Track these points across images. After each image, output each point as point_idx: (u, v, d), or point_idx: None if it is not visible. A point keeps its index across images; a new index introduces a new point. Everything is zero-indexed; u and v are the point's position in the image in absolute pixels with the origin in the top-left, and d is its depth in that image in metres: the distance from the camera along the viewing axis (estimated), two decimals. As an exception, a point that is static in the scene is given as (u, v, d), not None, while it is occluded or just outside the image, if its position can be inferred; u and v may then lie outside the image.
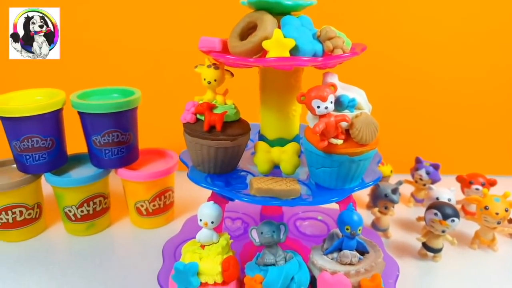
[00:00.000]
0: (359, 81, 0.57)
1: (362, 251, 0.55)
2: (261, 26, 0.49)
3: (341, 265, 0.52)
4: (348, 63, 0.60)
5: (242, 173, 0.60)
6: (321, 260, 0.53)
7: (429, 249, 0.72)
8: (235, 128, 0.56)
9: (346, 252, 0.53)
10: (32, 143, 0.74)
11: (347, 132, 0.51)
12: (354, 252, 0.53)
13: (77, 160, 0.85)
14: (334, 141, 0.50)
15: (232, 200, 0.61)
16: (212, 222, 0.55)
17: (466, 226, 0.81)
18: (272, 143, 0.60)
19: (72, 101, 0.75)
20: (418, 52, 0.98)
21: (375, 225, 0.80)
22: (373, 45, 0.63)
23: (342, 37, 0.51)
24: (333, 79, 0.52)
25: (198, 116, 0.56)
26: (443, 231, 0.70)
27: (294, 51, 0.48)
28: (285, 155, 0.58)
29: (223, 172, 0.59)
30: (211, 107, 0.55)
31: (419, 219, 0.80)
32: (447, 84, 1.01)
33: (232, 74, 0.58)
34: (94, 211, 0.80)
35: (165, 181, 0.82)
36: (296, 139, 0.61)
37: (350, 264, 0.52)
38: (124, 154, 0.79)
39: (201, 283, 0.53)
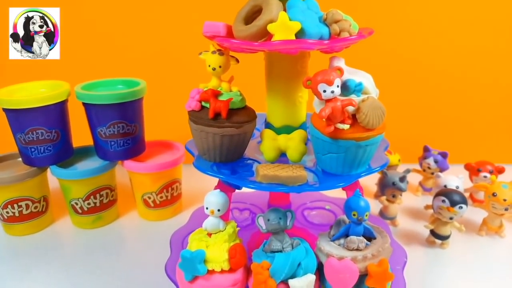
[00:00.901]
0: (366, 69, 0.56)
1: (369, 237, 0.54)
2: (266, 9, 0.48)
3: (348, 251, 0.52)
4: (354, 49, 0.59)
5: (249, 161, 0.60)
6: (328, 246, 0.53)
7: (437, 236, 0.72)
8: (241, 115, 0.56)
9: (353, 237, 0.52)
10: (37, 136, 0.74)
11: (353, 117, 0.51)
12: (361, 238, 0.52)
13: (83, 152, 0.85)
14: (340, 126, 0.50)
15: (238, 188, 0.61)
16: (219, 210, 0.55)
17: (474, 213, 0.81)
18: (279, 131, 0.60)
19: (77, 92, 0.75)
20: (426, 40, 0.97)
21: (383, 214, 0.79)
22: (380, 31, 0.62)
23: (348, 20, 0.50)
24: (340, 63, 0.52)
25: (203, 103, 0.56)
26: (451, 218, 0.69)
27: (300, 34, 0.48)
28: (292, 142, 0.58)
29: (229, 161, 0.58)
30: (216, 94, 0.54)
31: (427, 207, 0.80)
32: (455, 72, 0.99)
33: (237, 60, 0.57)
34: (101, 204, 0.80)
35: (172, 173, 0.82)
36: (302, 126, 0.61)
37: (357, 249, 0.52)
38: (130, 145, 0.79)
39: (208, 270, 0.52)
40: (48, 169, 0.80)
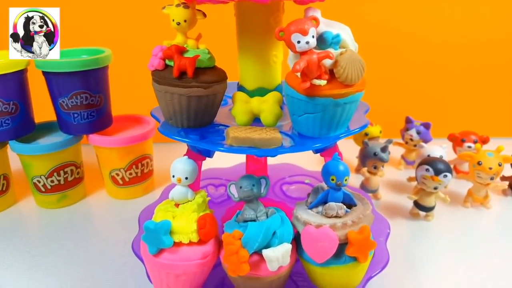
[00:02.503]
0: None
1: (349, 204, 0.51)
2: (232, -50, 0.44)
3: (326, 218, 0.48)
4: (331, 8, 0.55)
5: (220, 127, 0.55)
6: (305, 214, 0.49)
7: (421, 208, 0.69)
8: (209, 75, 0.51)
9: (331, 204, 0.48)
10: (-8, 107, 0.68)
11: (331, 72, 0.47)
12: (340, 204, 0.49)
13: (46, 128, 0.79)
14: (317, 82, 0.45)
15: (209, 156, 0.57)
16: (186, 178, 0.50)
17: (458, 185, 0.79)
18: (252, 94, 0.55)
19: (35, 60, 0.69)
20: (410, 10, 0.94)
21: (364, 187, 0.76)
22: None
23: (323, -34, 0.45)
24: (316, 13, 0.47)
25: (167, 61, 0.51)
26: (435, 188, 0.66)
27: (271, -20, 0.43)
28: (266, 105, 0.53)
29: (197, 126, 0.53)
30: (181, 50, 0.49)
31: (410, 179, 0.77)
32: (438, 43, 0.96)
33: (204, 15, 0.52)
34: (65, 181, 0.75)
35: (141, 148, 0.77)
36: (277, 89, 0.57)
37: (336, 216, 0.48)
38: (95, 118, 0.73)
39: (174, 242, 0.48)
40: (8, 146, 0.74)
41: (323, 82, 0.46)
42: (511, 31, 0.95)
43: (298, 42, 0.44)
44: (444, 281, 0.56)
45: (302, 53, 0.44)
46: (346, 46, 0.47)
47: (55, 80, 0.69)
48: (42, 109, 0.78)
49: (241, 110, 0.53)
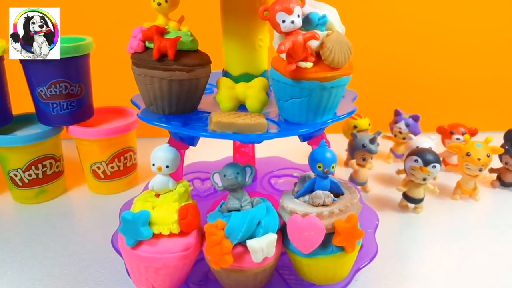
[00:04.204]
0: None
1: (337, 193, 0.49)
2: None
3: (313, 207, 0.46)
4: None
5: (204, 115, 0.53)
6: (291, 204, 0.47)
7: (410, 200, 0.68)
8: (192, 58, 0.49)
9: (318, 192, 0.47)
10: (-35, 96, 0.65)
11: (317, 55, 0.45)
12: (327, 192, 0.47)
13: (25, 120, 0.76)
14: (303, 64, 0.44)
15: (192, 144, 0.55)
16: (167, 167, 0.48)
17: (447, 178, 0.78)
18: (237, 80, 0.53)
19: (11, 47, 0.66)
20: (397, 3, 0.93)
21: (353, 179, 0.74)
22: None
23: None
24: (301, -5, 0.46)
25: (147, 44, 0.48)
26: (424, 179, 0.65)
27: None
28: (251, 91, 0.51)
29: (180, 113, 0.51)
30: (161, 31, 0.47)
31: (399, 172, 0.75)
32: (428, 40, 0.96)
33: (186, -4, 0.50)
34: (44, 175, 0.72)
35: (123, 140, 0.74)
36: (263, 75, 0.55)
37: (323, 205, 0.46)
38: (75, 109, 0.71)
39: (154, 234, 0.45)
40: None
41: (309, 65, 0.44)
42: (500, 25, 0.95)
43: (283, 21, 0.42)
44: (433, 273, 0.55)
45: (287, 34, 0.43)
46: (332, 28, 0.46)
47: (33, 68, 0.66)
48: (21, 101, 0.75)
49: (226, 96, 0.51)
